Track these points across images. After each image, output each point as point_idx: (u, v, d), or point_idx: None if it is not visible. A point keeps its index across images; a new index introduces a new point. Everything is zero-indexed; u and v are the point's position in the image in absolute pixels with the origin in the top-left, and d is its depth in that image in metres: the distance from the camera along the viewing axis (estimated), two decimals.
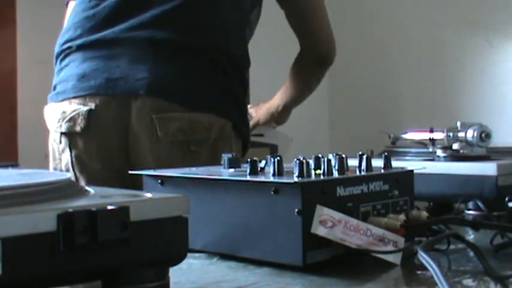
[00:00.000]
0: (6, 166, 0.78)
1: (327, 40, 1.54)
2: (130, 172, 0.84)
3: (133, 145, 1.25)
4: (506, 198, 0.90)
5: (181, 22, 1.28)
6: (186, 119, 1.24)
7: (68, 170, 1.28)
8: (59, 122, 1.28)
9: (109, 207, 0.46)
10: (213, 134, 1.26)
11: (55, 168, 1.32)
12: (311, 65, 1.58)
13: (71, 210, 0.45)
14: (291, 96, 1.63)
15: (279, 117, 1.66)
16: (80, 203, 0.49)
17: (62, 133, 1.28)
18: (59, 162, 1.31)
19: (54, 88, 1.34)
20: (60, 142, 1.29)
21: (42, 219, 0.44)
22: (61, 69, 1.33)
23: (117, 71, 1.25)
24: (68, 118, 1.27)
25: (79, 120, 1.25)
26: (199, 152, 1.24)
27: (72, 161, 1.28)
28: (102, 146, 1.26)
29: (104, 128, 1.26)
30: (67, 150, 1.28)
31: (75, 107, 1.26)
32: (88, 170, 1.27)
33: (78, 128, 1.25)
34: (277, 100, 1.64)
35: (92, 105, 1.25)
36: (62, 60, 1.33)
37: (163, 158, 1.22)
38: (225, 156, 0.83)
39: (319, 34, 1.53)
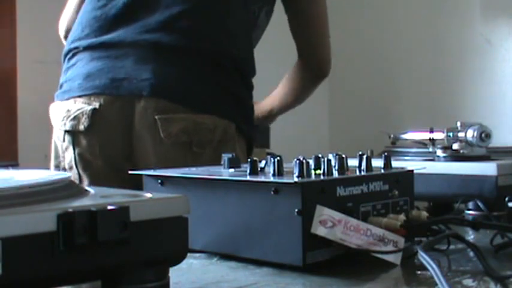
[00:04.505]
0: (6, 166, 0.78)
1: (324, 51, 1.53)
2: (130, 172, 0.84)
3: (136, 145, 1.25)
4: (506, 198, 0.90)
5: (188, 27, 1.28)
6: (191, 120, 1.24)
7: (71, 168, 1.29)
8: (63, 120, 1.29)
9: (109, 207, 0.46)
10: (217, 135, 1.25)
11: (57, 166, 1.32)
12: (306, 77, 1.57)
13: (71, 210, 0.45)
14: (280, 105, 1.62)
15: (264, 120, 1.65)
16: (79, 203, 0.49)
17: (65, 131, 1.29)
18: (62, 159, 1.31)
19: (61, 86, 1.35)
20: (64, 140, 1.30)
21: (42, 219, 0.44)
22: (68, 68, 1.34)
23: (122, 71, 1.26)
24: (72, 116, 1.27)
25: (83, 119, 1.26)
26: (201, 154, 1.24)
27: (75, 159, 1.28)
28: (105, 145, 1.27)
29: (108, 127, 1.26)
30: (70, 148, 1.29)
31: (80, 105, 1.27)
32: (91, 168, 1.28)
33: (81, 127, 1.26)
34: (265, 105, 1.63)
35: (96, 105, 1.26)
36: (69, 59, 1.34)
37: (165, 158, 1.22)
38: (225, 156, 0.83)
39: (318, 44, 1.52)
